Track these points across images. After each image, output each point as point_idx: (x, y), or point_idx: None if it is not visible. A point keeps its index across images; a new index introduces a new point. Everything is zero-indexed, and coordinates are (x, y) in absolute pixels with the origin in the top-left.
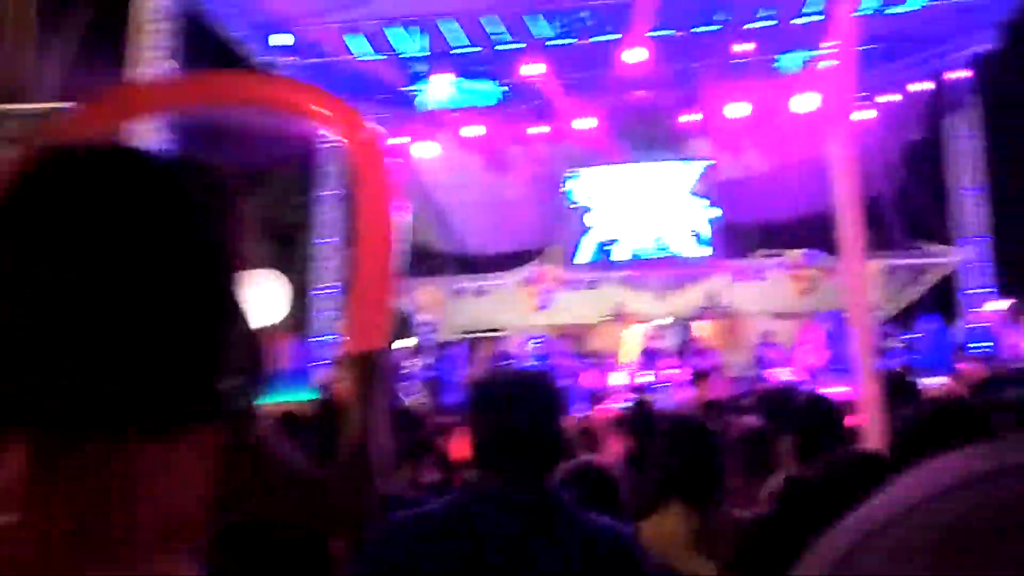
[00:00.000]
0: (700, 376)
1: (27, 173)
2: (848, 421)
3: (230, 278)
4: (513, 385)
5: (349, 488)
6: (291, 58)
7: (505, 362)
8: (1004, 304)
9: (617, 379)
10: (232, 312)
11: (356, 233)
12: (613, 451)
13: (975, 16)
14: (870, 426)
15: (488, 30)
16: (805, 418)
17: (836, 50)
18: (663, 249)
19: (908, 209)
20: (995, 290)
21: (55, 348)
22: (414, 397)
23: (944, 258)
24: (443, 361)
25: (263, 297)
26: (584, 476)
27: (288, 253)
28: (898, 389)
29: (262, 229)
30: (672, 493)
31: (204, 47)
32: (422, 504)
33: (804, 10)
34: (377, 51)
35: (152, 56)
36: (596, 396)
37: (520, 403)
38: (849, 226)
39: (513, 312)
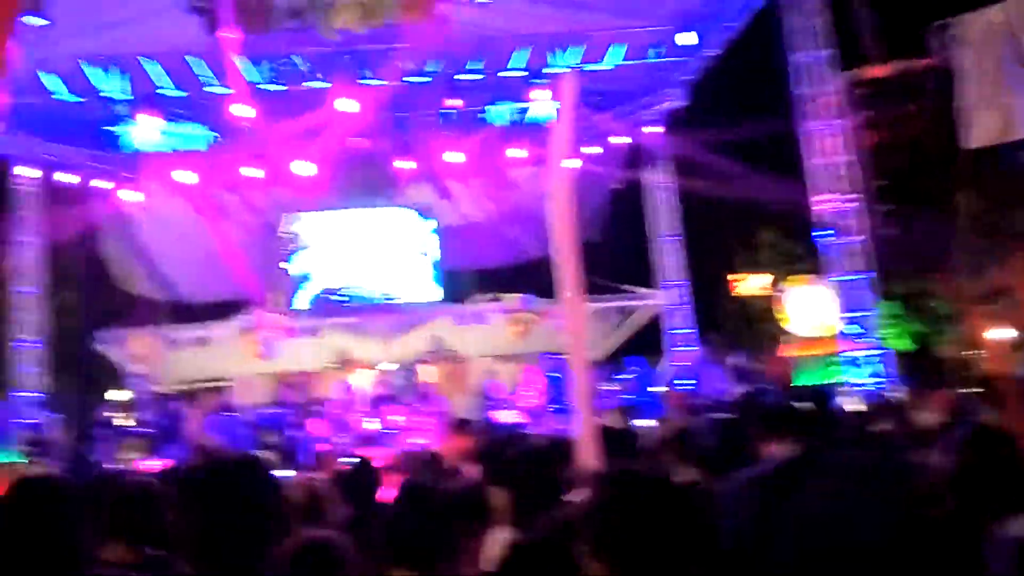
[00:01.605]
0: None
1: None
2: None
3: None
4: (218, 478)
5: None
6: None
7: (228, 415)
8: (701, 344)
9: (340, 427)
10: None
11: None
12: (339, 515)
13: (665, 75)
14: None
15: (195, 71)
16: (520, 471)
17: (542, 103)
18: (386, 295)
19: (613, 255)
20: (694, 331)
21: None
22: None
23: (648, 301)
24: (162, 416)
25: None
26: (309, 555)
27: None
28: (614, 439)
29: None
30: (400, 557)
31: None
32: None
33: (510, 64)
34: (75, 91)
35: None
36: (314, 453)
37: (226, 497)
38: (568, 270)
39: (235, 361)
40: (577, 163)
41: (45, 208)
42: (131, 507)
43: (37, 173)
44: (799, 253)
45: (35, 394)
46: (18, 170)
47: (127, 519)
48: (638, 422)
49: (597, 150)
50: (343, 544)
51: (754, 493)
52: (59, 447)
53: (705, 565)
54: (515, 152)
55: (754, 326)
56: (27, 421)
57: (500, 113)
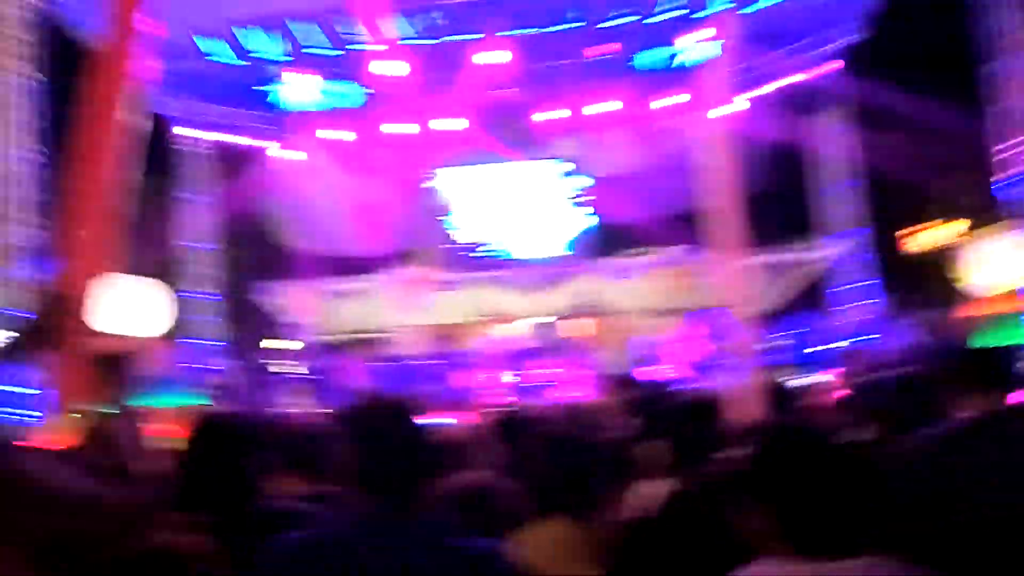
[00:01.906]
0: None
1: None
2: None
3: None
4: (377, 413)
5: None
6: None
7: (383, 364)
8: (877, 300)
9: (489, 379)
10: None
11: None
12: (486, 461)
13: (841, 8)
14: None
15: (345, 30)
16: (678, 424)
17: (701, 46)
18: (533, 249)
19: (780, 205)
20: (868, 284)
21: None
22: (296, 401)
23: (817, 254)
24: (321, 364)
25: (148, 306)
26: (468, 495)
27: (162, 257)
28: (775, 393)
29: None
30: (551, 505)
31: (68, 53)
32: (308, 517)
33: (657, 8)
34: (234, 54)
35: (15, 64)
36: (466, 401)
37: (385, 431)
38: (723, 221)
39: (389, 313)
40: (742, 106)
41: (209, 167)
42: (303, 444)
43: (199, 134)
44: (983, 204)
45: (212, 342)
46: (178, 131)
47: (299, 455)
48: (805, 378)
49: (764, 91)
50: (504, 487)
51: (938, 451)
52: (237, 391)
53: (868, 522)
54: (667, 99)
55: (931, 281)
56: (207, 368)
57: (650, 59)
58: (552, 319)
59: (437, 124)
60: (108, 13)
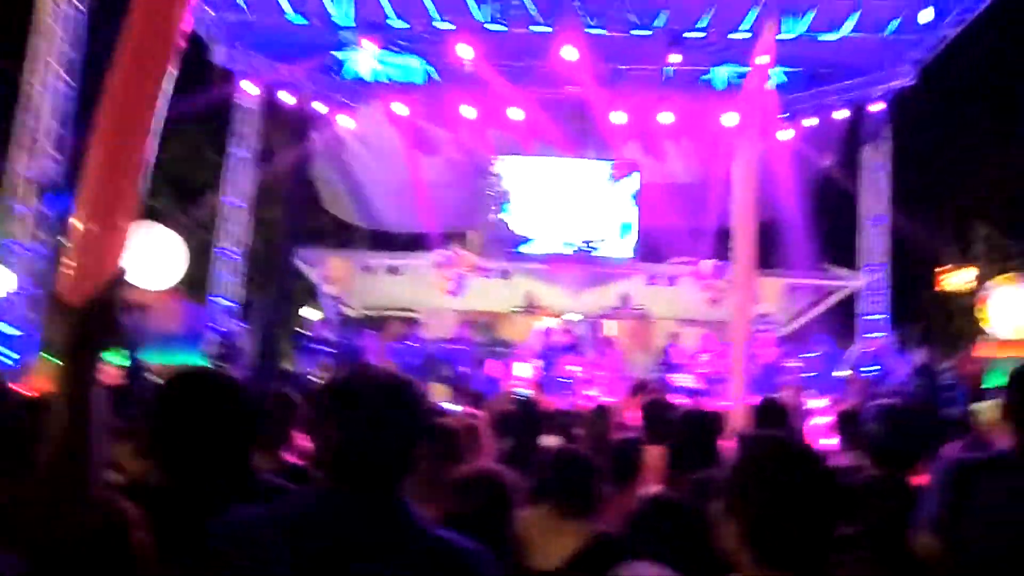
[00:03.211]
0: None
1: None
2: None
3: None
4: (371, 391)
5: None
6: (211, 12)
7: (411, 345)
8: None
9: (521, 370)
10: None
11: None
12: (491, 449)
13: (895, 52)
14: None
15: (424, 4)
16: (679, 432)
17: (757, 69)
18: (581, 246)
19: (819, 231)
20: (888, 317)
21: None
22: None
23: (846, 282)
24: (348, 337)
25: (160, 255)
26: (479, 484)
27: (195, 210)
28: (768, 411)
29: (171, 183)
30: (546, 497)
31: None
32: (282, 492)
33: (741, 27)
34: (305, 14)
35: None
36: (487, 392)
37: (376, 412)
38: (744, 240)
39: (424, 294)
40: (790, 133)
41: (262, 124)
42: (276, 416)
43: (257, 91)
44: (1013, 250)
45: (230, 302)
46: (243, 84)
47: (268, 428)
48: (812, 401)
49: (814, 121)
50: (510, 476)
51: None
52: (245, 354)
53: (840, 543)
54: (730, 116)
55: (954, 321)
56: (219, 328)
57: (721, 75)
58: (592, 317)
59: (502, 112)
60: None
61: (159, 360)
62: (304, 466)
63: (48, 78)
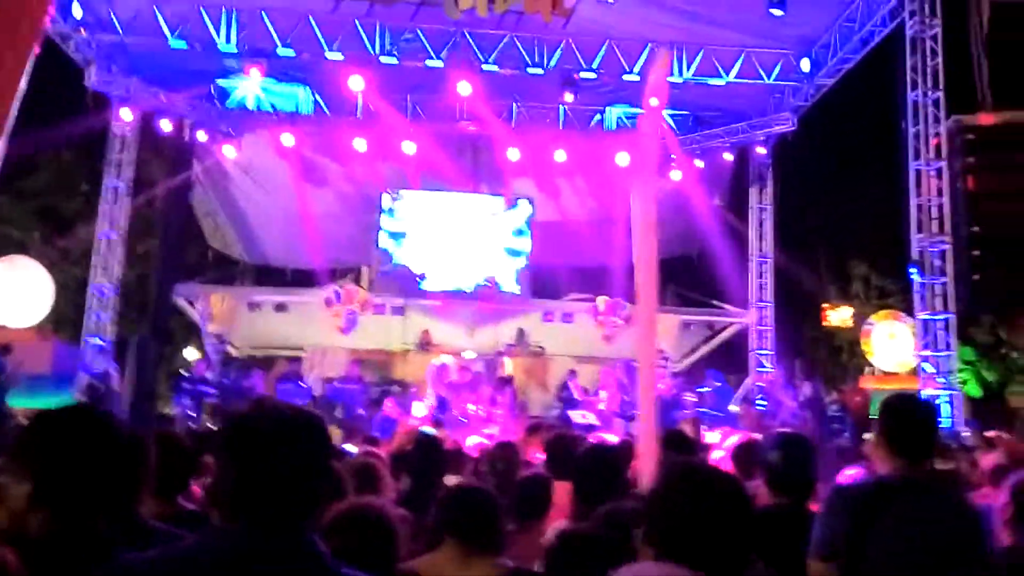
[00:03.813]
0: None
1: None
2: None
3: None
4: (274, 425)
5: None
6: (82, 32)
7: (302, 384)
8: (780, 367)
9: (418, 409)
10: None
11: None
12: (391, 489)
13: (776, 98)
14: (645, 472)
15: (315, 34)
16: (585, 466)
17: (647, 111)
18: (473, 282)
19: (711, 269)
20: (775, 353)
21: None
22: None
23: (736, 318)
24: (231, 377)
25: (25, 290)
26: (359, 520)
27: (68, 243)
28: (676, 442)
29: (40, 214)
30: (451, 535)
31: None
32: (169, 539)
33: (634, 68)
34: (189, 40)
35: None
36: (384, 432)
37: (280, 447)
38: (644, 278)
39: (314, 331)
40: (678, 175)
41: (139, 153)
42: (166, 459)
43: (131, 117)
44: (890, 289)
45: (103, 341)
46: (121, 111)
47: (160, 471)
48: (709, 434)
49: (699, 164)
50: (391, 512)
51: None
52: (119, 397)
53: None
54: (623, 156)
55: (839, 356)
56: (91, 369)
57: (613, 116)
58: (489, 354)
59: (393, 144)
60: None
61: (24, 404)
62: (202, 511)
63: None
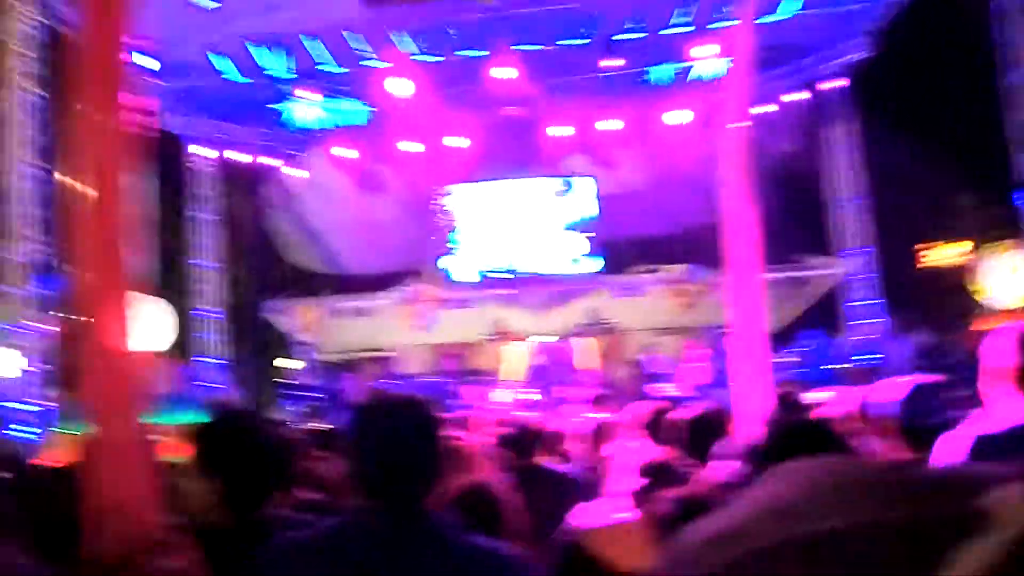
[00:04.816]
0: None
1: None
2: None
3: None
4: (390, 413)
5: None
6: (158, 81)
7: (389, 382)
8: (887, 317)
9: (501, 397)
10: None
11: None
12: (488, 472)
13: (848, 25)
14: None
15: (353, 47)
16: (685, 436)
17: (710, 62)
18: (541, 266)
19: (788, 221)
20: (878, 302)
21: None
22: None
23: (826, 271)
24: (326, 383)
25: (150, 323)
26: (471, 497)
27: (167, 275)
28: (787, 408)
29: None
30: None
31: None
32: (304, 526)
33: (672, 21)
34: (243, 72)
35: (18, 80)
36: (473, 417)
37: (398, 432)
38: (740, 239)
39: (393, 332)
40: (747, 124)
41: (219, 185)
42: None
43: (212, 153)
44: (1000, 218)
45: (215, 360)
46: (192, 149)
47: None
48: (812, 394)
49: (771, 108)
50: (499, 489)
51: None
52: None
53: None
54: (678, 114)
55: (946, 298)
56: (211, 385)
57: (662, 73)
58: (562, 336)
59: (445, 141)
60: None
61: (161, 421)
62: (320, 499)
63: (22, 166)
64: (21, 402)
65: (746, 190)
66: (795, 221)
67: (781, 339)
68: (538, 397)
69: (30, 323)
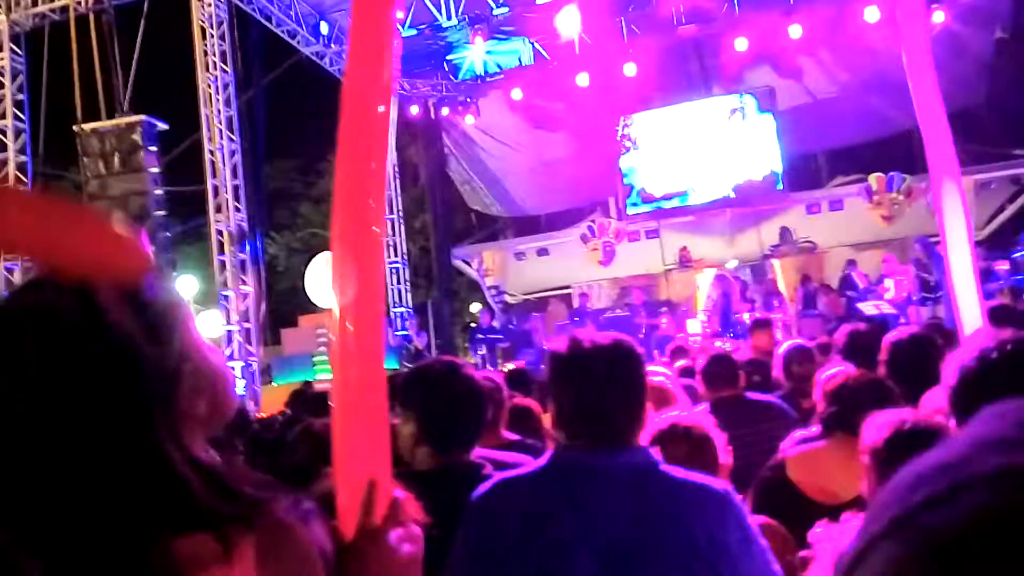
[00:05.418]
0: (759, 325)
1: None
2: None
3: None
4: (597, 353)
5: None
6: (332, 47)
7: (578, 320)
8: None
9: (694, 326)
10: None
11: None
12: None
13: None
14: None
15: None
16: (894, 358)
17: None
18: (726, 189)
19: (1002, 116)
20: None
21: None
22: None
23: None
24: (515, 323)
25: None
26: (675, 433)
27: None
28: (1001, 316)
29: (327, 214)
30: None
31: (259, 46)
32: (510, 467)
33: None
34: (413, 23)
35: (214, 60)
36: (670, 350)
37: (602, 372)
38: (937, 140)
39: (577, 269)
40: (940, 16)
41: (397, 137)
42: (487, 398)
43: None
44: None
45: (406, 308)
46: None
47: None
48: None
49: None
50: (706, 421)
51: None
52: (427, 354)
53: None
54: (864, 12)
55: None
56: (400, 333)
57: None
58: (755, 260)
59: (621, 70)
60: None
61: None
62: (520, 440)
63: (220, 140)
64: (228, 360)
65: (932, 86)
66: (1012, 115)
67: (998, 242)
68: (726, 325)
69: (234, 286)
